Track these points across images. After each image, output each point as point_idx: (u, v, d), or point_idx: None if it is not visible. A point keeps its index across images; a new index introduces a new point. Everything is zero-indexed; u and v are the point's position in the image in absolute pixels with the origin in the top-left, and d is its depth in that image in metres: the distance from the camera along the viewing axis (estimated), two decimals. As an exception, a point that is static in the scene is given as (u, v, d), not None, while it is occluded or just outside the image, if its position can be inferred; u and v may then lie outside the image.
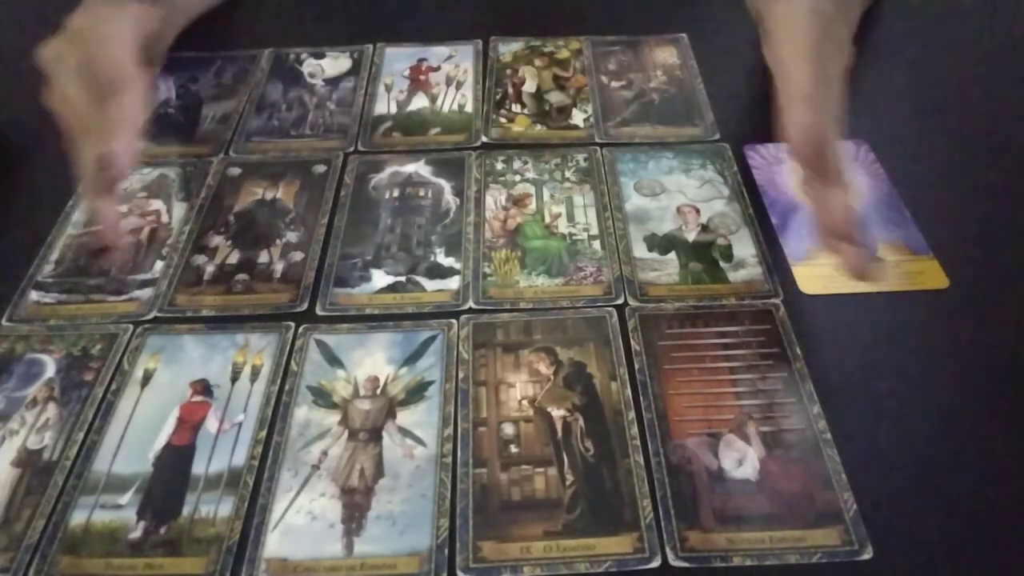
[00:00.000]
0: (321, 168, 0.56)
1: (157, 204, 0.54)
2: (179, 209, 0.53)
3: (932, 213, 0.51)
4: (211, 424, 0.41)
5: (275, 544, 0.37)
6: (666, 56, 0.65)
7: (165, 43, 0.59)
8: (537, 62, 0.65)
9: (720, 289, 0.47)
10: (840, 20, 0.46)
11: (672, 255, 0.49)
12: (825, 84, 0.42)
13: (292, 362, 0.44)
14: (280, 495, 0.38)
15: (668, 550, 0.36)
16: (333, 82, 0.64)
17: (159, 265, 0.49)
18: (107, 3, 0.51)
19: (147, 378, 0.43)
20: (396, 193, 0.54)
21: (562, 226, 0.51)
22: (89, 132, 0.45)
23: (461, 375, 0.43)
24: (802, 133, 0.40)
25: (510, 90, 0.62)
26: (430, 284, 0.48)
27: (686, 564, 0.36)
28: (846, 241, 0.40)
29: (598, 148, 0.57)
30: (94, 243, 0.49)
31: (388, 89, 0.63)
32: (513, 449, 0.40)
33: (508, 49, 0.67)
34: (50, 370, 0.44)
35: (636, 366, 0.43)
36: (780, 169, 0.55)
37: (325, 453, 0.40)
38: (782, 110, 0.42)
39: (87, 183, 0.45)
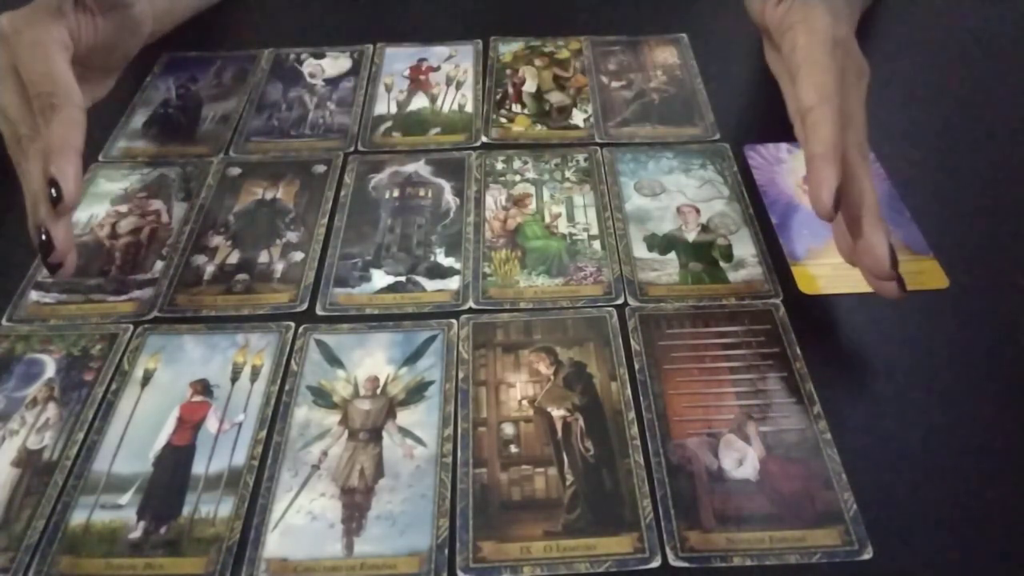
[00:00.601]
0: (321, 168, 0.56)
1: (157, 204, 0.54)
2: (179, 209, 0.53)
3: (932, 213, 0.51)
4: (211, 424, 0.41)
5: (275, 544, 0.37)
6: (666, 56, 0.65)
7: (124, 52, 0.55)
8: (537, 62, 0.65)
9: (720, 289, 0.47)
10: (853, 37, 0.45)
11: (672, 255, 0.49)
12: (850, 125, 0.40)
13: (292, 362, 0.44)
14: (280, 495, 0.38)
15: (668, 550, 0.36)
16: (333, 82, 0.64)
17: (159, 265, 0.49)
18: (42, 8, 0.47)
19: (147, 378, 0.43)
20: (396, 193, 0.54)
21: (562, 226, 0.51)
22: (26, 144, 0.43)
23: (461, 375, 0.43)
24: (829, 195, 0.38)
25: (510, 90, 0.62)
26: (430, 284, 0.48)
27: (686, 564, 0.35)
28: (889, 280, 0.40)
29: (598, 148, 0.57)
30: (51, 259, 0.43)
31: (388, 89, 0.63)
32: (513, 449, 0.40)
33: (508, 49, 0.67)
34: (50, 370, 0.44)
35: (636, 366, 0.43)
36: (780, 169, 0.55)
37: (325, 453, 0.40)
38: (807, 163, 0.40)
39: (38, 206, 0.42)
